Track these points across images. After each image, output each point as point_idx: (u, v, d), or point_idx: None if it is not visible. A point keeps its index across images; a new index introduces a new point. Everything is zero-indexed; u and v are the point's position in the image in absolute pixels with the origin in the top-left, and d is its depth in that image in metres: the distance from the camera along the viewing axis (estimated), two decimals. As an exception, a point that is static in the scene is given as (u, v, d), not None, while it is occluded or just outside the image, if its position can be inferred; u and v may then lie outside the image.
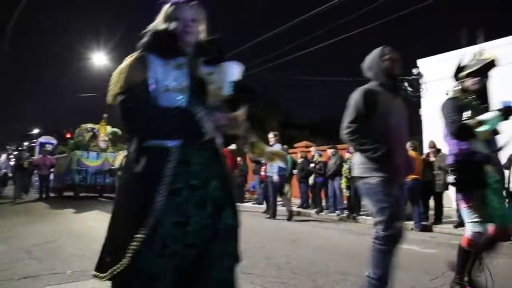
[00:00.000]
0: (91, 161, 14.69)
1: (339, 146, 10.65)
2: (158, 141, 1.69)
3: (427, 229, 7.64)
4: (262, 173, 11.06)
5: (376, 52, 2.94)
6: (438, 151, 8.16)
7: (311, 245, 5.57)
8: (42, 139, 21.57)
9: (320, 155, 10.46)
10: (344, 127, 2.83)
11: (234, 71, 1.83)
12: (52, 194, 15.49)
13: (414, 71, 12.42)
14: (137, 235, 1.58)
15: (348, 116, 2.84)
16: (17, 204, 11.93)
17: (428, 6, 10.07)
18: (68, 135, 21.47)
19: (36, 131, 41.91)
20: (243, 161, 13.56)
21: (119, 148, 15.32)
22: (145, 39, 1.79)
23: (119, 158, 13.12)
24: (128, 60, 1.77)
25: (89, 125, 16.01)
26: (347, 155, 9.64)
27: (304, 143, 15.63)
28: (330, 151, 9.92)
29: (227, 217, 1.81)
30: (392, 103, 2.86)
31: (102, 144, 15.39)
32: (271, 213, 9.25)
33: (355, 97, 2.85)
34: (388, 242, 2.76)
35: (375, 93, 2.82)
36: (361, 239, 6.32)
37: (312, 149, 11.63)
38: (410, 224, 7.74)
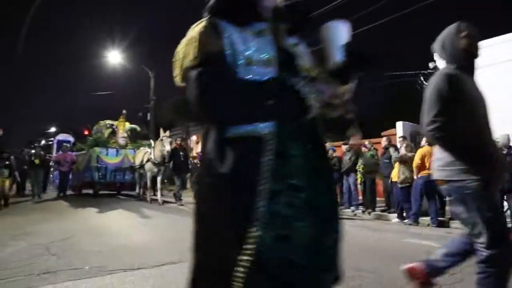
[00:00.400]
0: (111, 158, 14.28)
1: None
2: (247, 127, 1.31)
3: (444, 225, 7.52)
4: None
5: (450, 28, 2.47)
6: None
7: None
8: (60, 136, 21.73)
9: (334, 151, 10.39)
10: (428, 122, 2.30)
11: (342, 31, 1.42)
12: (69, 192, 15.40)
13: (431, 64, 12.22)
14: (242, 257, 1.22)
15: (430, 108, 2.30)
16: (36, 202, 11.91)
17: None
18: (86, 132, 21.36)
19: (53, 129, 42.53)
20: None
21: (139, 145, 15.11)
22: (213, 2, 1.42)
23: (139, 155, 12.99)
24: (195, 28, 1.39)
25: (108, 121, 15.66)
26: (363, 150, 9.55)
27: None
28: (344, 147, 9.84)
29: (335, 230, 1.41)
30: (477, 90, 2.40)
31: (122, 141, 14.96)
32: None
33: (437, 84, 2.34)
34: (498, 263, 2.21)
35: (460, 79, 2.32)
36: (376, 235, 6.29)
37: (326, 145, 11.58)
38: (427, 220, 7.66)
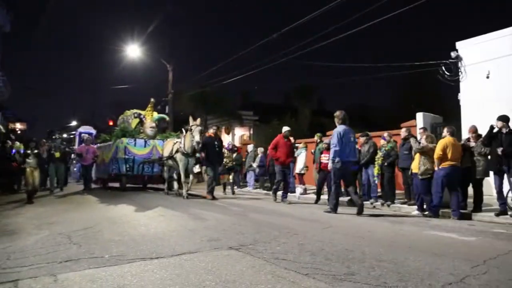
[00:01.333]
0: (139, 149, 13.27)
1: (372, 134, 10.42)
2: None
3: (466, 217, 7.37)
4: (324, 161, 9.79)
5: None
6: (478, 136, 7.81)
7: (345, 233, 5.48)
8: (81, 129, 21.72)
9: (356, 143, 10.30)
10: None
11: None
12: (93, 186, 14.95)
13: (453, 54, 11.89)
14: None
15: None
16: (58, 197, 11.56)
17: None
18: (111, 123, 21.08)
19: (74, 123, 43.34)
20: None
21: (167, 135, 14.31)
22: None
23: (168, 145, 12.02)
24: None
25: (135, 111, 14.67)
26: (381, 142, 9.43)
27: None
28: (362, 139, 9.71)
29: None
30: None
31: (150, 131, 13.92)
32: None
33: None
34: None
35: None
36: (396, 227, 6.20)
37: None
38: (448, 212, 7.51)
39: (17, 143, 14.71)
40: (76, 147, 19.25)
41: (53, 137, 15.40)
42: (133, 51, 22.10)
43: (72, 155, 17.11)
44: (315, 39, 13.99)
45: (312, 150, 12.35)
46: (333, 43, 13.32)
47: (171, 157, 11.36)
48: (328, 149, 8.99)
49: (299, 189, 11.88)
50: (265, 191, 13.69)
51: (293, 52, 15.22)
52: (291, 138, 13.50)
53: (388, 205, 8.98)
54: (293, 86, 30.57)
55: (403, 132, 9.01)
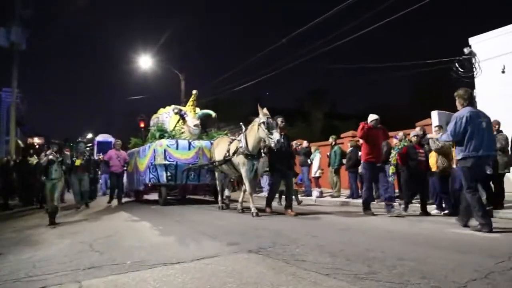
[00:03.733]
0: (182, 152, 10.73)
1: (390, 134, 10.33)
2: None
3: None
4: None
5: None
6: (499, 131, 7.68)
7: (364, 233, 5.44)
8: (99, 137, 20.58)
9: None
10: None
11: None
12: (125, 199, 12.83)
13: (466, 50, 11.75)
14: None
15: None
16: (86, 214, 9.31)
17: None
18: (142, 124, 18.47)
19: (90, 135, 44.00)
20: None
21: (213, 136, 11.88)
22: None
23: (221, 146, 9.37)
24: None
25: (174, 106, 12.13)
26: (394, 141, 9.34)
27: (350, 132, 15.34)
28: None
29: None
30: None
31: (194, 130, 11.27)
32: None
33: None
34: None
35: None
36: (416, 226, 6.13)
37: (360, 137, 11.44)
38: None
39: (31, 158, 13.17)
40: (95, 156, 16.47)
41: (77, 140, 12.79)
42: (146, 62, 22.44)
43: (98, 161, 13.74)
44: (326, 41, 13.94)
45: (328, 153, 12.33)
46: (343, 44, 13.26)
47: (227, 160, 8.77)
48: (420, 143, 8.33)
49: (315, 192, 11.84)
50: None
51: (304, 56, 15.22)
52: (304, 143, 13.45)
53: (406, 205, 8.84)
54: (305, 90, 30.61)
55: (417, 131, 8.91)
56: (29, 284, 3.28)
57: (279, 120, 8.14)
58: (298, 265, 3.58)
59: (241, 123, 8.91)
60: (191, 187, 11.53)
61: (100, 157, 13.01)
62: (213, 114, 12.16)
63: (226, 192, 9.87)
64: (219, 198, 9.62)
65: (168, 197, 11.62)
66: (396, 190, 9.57)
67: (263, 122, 7.61)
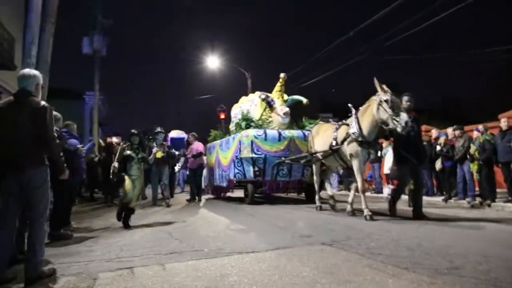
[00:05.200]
0: (272, 144, 9.39)
1: (466, 128, 9.70)
2: None
3: None
4: None
5: None
6: None
7: (443, 230, 5.17)
8: (173, 134, 19.96)
9: (447, 137, 9.71)
10: None
11: None
12: (206, 196, 12.52)
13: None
14: None
15: None
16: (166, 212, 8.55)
17: None
18: (222, 116, 17.85)
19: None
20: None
21: (305, 125, 10.54)
22: None
23: (322, 134, 7.80)
24: None
25: (260, 93, 10.69)
26: (475, 134, 8.74)
27: (423, 127, 14.59)
28: (457, 132, 9.09)
29: None
30: None
31: (283, 119, 9.88)
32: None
33: None
34: None
35: None
36: (499, 226, 5.67)
37: (434, 131, 10.90)
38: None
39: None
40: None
41: (156, 131, 10.30)
42: (213, 62, 23.16)
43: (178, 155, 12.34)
44: (393, 32, 13.39)
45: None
46: (412, 35, 12.62)
47: (335, 150, 7.17)
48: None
49: (386, 189, 11.46)
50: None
51: (370, 49, 14.76)
52: None
53: (489, 205, 8.26)
54: (372, 84, 29.71)
55: (503, 123, 8.27)
56: (120, 264, 3.61)
57: (405, 99, 6.53)
58: (374, 258, 3.52)
59: (349, 104, 7.13)
60: (281, 184, 9.78)
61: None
62: (305, 100, 10.76)
63: (329, 190, 8.14)
64: (316, 196, 8.21)
65: (260, 195, 10.57)
66: (477, 188, 8.94)
67: (386, 100, 6.02)
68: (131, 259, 3.78)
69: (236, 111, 11.70)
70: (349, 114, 7.02)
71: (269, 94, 10.40)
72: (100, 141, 20.85)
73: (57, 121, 5.49)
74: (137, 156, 6.57)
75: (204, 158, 12.16)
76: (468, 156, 8.63)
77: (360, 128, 6.53)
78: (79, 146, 6.09)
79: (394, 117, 5.86)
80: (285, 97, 10.56)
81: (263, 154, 9.28)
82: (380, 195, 11.35)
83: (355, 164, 6.62)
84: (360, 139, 6.48)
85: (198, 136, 11.99)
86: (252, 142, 9.31)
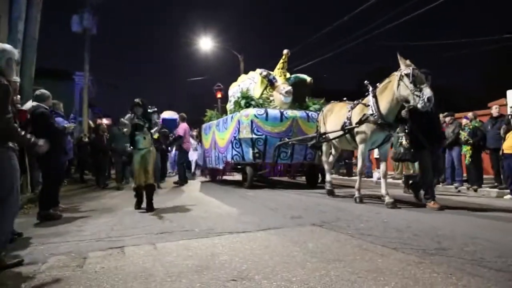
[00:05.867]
0: (273, 124, 8.79)
1: (456, 115, 9.77)
2: None
3: None
4: None
5: None
6: None
7: (431, 213, 5.24)
8: (164, 114, 20.40)
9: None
10: None
11: None
12: (200, 179, 12.22)
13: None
14: None
15: None
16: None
17: None
18: (219, 95, 17.15)
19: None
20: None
21: (309, 105, 9.92)
22: None
23: (334, 114, 7.33)
24: None
25: (261, 70, 9.78)
26: (464, 121, 8.83)
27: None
28: (447, 119, 9.15)
29: None
30: None
31: (285, 98, 9.23)
32: None
33: None
34: None
35: None
36: (486, 211, 5.75)
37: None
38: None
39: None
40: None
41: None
42: (206, 44, 22.85)
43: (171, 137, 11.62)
44: (388, 18, 13.33)
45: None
46: (408, 21, 12.54)
47: (348, 131, 6.65)
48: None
49: (376, 173, 11.55)
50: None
51: (365, 34, 14.68)
52: None
53: (475, 190, 8.39)
54: (366, 70, 29.65)
55: (494, 109, 8.34)
56: (110, 243, 3.60)
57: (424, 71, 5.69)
58: (364, 238, 3.56)
59: (365, 81, 6.56)
60: (281, 166, 9.38)
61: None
62: (308, 78, 10.16)
63: (327, 177, 7.72)
64: (327, 178, 7.67)
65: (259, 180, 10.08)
66: (464, 174, 9.05)
67: (407, 75, 5.44)
68: (121, 238, 3.78)
69: (235, 90, 11.06)
70: (366, 94, 6.44)
71: (270, 72, 9.75)
72: (90, 122, 20.61)
73: (46, 99, 5.40)
74: (145, 124, 5.95)
75: (192, 141, 11.85)
76: (459, 142, 8.71)
77: (378, 108, 5.98)
78: (66, 124, 5.97)
79: (415, 93, 5.31)
80: (288, 75, 10.04)
81: (263, 135, 8.73)
82: (369, 179, 11.43)
83: (361, 146, 6.31)
84: (380, 121, 5.94)
85: (189, 118, 11.69)
86: (252, 122, 8.73)
